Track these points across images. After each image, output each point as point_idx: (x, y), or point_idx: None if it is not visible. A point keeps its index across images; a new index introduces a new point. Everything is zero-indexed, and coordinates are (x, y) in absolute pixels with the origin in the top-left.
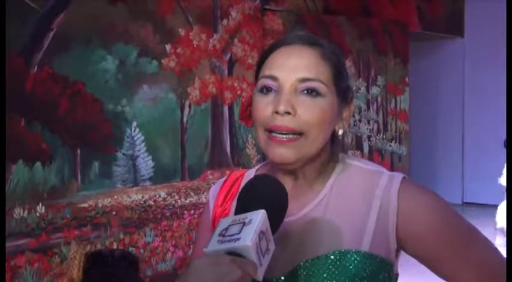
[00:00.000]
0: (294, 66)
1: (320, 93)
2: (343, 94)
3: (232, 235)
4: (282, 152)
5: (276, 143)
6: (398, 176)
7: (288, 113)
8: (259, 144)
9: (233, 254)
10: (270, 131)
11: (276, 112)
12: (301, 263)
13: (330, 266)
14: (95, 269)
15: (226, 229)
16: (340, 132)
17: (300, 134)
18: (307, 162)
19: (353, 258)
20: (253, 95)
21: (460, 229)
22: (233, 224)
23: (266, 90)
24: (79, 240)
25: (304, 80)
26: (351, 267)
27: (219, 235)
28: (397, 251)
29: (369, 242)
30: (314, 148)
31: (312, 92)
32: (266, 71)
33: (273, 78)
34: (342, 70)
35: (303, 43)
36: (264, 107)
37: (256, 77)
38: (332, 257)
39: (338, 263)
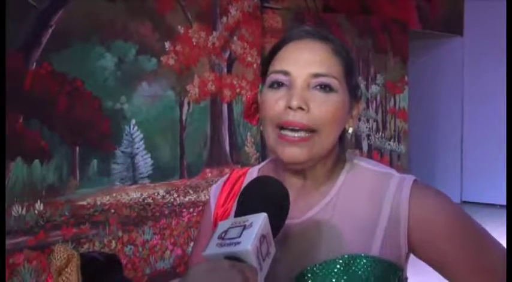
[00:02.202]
0: (306, 61)
1: (333, 89)
2: (354, 91)
3: (232, 238)
4: (293, 151)
5: (287, 142)
6: (409, 179)
7: (301, 109)
8: (268, 141)
9: (232, 258)
10: (281, 127)
11: (289, 107)
12: (309, 267)
13: (338, 271)
14: (92, 274)
15: (226, 232)
16: (350, 130)
17: (312, 131)
18: (318, 161)
19: (362, 263)
20: (262, 91)
21: (472, 233)
22: (233, 227)
23: (277, 85)
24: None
25: (317, 75)
26: (360, 272)
27: (218, 238)
28: (407, 255)
29: (378, 246)
30: (326, 146)
31: (325, 87)
32: (277, 65)
33: (285, 72)
34: (352, 66)
35: (313, 38)
36: (275, 102)
37: (263, 74)
38: (340, 261)
39: (347, 267)
